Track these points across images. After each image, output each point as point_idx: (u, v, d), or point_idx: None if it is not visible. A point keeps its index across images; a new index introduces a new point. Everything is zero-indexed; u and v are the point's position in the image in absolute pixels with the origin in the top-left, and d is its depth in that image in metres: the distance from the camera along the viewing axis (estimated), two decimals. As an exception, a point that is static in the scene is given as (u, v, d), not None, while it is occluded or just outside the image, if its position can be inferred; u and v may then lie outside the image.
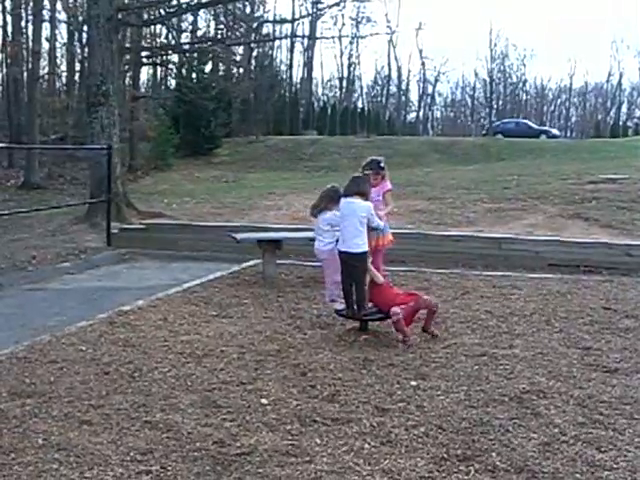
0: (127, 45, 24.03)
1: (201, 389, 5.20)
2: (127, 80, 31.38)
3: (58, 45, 38.69)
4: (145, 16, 20.49)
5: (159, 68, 37.59)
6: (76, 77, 39.24)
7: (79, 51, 37.14)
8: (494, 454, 4.11)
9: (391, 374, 5.60)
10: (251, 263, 10.74)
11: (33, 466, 3.94)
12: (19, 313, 8.58)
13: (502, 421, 4.60)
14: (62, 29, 38.99)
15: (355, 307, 6.94)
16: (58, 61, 39.69)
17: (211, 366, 5.76)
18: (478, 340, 6.63)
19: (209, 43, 22.92)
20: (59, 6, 33.97)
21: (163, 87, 43.24)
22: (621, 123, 71.98)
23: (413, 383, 5.36)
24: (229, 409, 4.78)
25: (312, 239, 10.59)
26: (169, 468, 3.90)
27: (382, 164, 8.31)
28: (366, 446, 4.20)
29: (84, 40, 32.92)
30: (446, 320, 7.36)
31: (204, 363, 5.85)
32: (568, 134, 74.31)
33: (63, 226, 15.51)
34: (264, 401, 4.92)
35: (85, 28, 28.20)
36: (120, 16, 16.98)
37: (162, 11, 19.06)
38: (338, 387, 5.24)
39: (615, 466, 4.00)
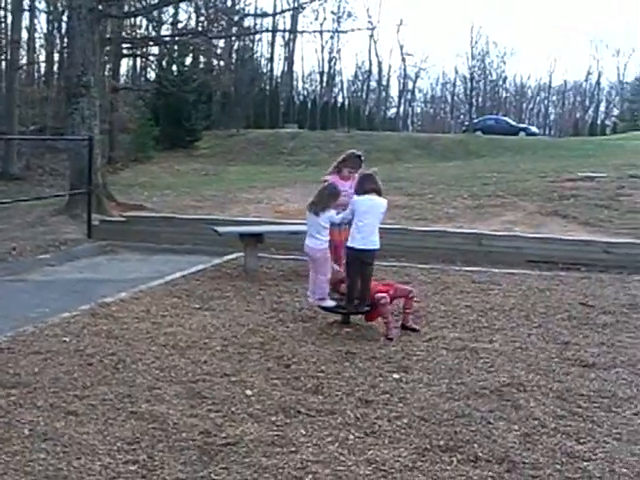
0: (108, 36, 23.83)
1: (185, 380, 5.24)
2: (107, 71, 31.20)
3: (37, 35, 38.43)
4: (126, 8, 20.39)
5: (139, 60, 37.47)
6: (55, 67, 38.93)
7: (58, 41, 36.88)
8: (476, 445, 4.19)
9: (374, 367, 5.67)
10: (232, 256, 10.76)
11: (20, 456, 3.96)
12: (0, 304, 8.55)
13: (483, 413, 4.69)
14: (41, 19, 38.69)
15: (357, 302, 6.99)
16: (37, 51, 39.39)
17: (195, 358, 5.80)
18: (458, 334, 6.72)
19: (191, 35, 22.81)
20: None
21: (143, 79, 43.07)
22: (599, 121, 72.69)
23: (395, 376, 5.44)
24: (214, 400, 4.82)
25: (294, 232, 10.66)
26: (156, 458, 3.94)
27: (362, 158, 8.38)
28: (350, 437, 4.27)
29: (63, 30, 32.72)
30: (427, 315, 7.45)
31: (188, 355, 5.88)
32: (547, 132, 74.86)
33: (43, 218, 15.41)
34: (248, 392, 4.98)
35: (65, 18, 28.03)
36: (101, 7, 16.90)
37: (144, 2, 18.96)
38: (322, 379, 5.30)
39: (593, 457, 4.10)
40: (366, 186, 7.06)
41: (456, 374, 5.51)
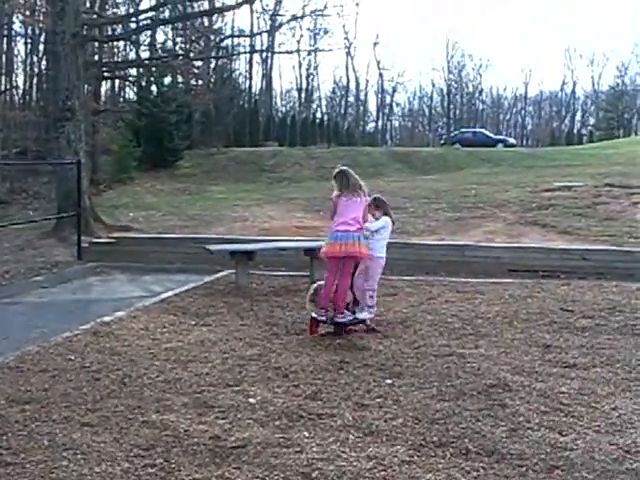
0: (93, 59, 24.12)
1: (191, 391, 5.53)
2: (87, 94, 31.33)
3: (15, 59, 38.49)
4: (109, 31, 20.71)
5: (117, 81, 37.67)
6: (34, 91, 39.04)
7: (36, 64, 37.04)
8: (467, 440, 4.52)
9: (367, 374, 5.98)
10: (223, 274, 11.06)
11: (44, 464, 4.23)
12: (-1, 326, 8.78)
13: (472, 412, 5.02)
14: (19, 42, 38.80)
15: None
16: (15, 75, 39.46)
17: (197, 371, 6.08)
18: (446, 341, 7.05)
19: (174, 57, 23.14)
20: (16, 18, 33.81)
21: (122, 99, 43.24)
22: (576, 131, 73.68)
23: (388, 381, 5.76)
24: (220, 408, 5.12)
25: (283, 249, 10.99)
26: (172, 461, 4.23)
27: None
28: (350, 437, 4.59)
29: (41, 53, 32.90)
30: (414, 324, 7.78)
31: (190, 368, 6.17)
32: (524, 142, 75.74)
33: (31, 241, 15.64)
34: (252, 400, 5.28)
35: (43, 40, 28.22)
36: (85, 32, 17.23)
37: (132, 25, 19.29)
38: (319, 386, 5.61)
39: (575, 447, 4.44)
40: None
41: (445, 378, 5.83)
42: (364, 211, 7.48)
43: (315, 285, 7.78)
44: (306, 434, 4.63)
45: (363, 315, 7.51)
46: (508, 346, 6.85)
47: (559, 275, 11.01)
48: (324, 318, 7.41)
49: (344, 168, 7.73)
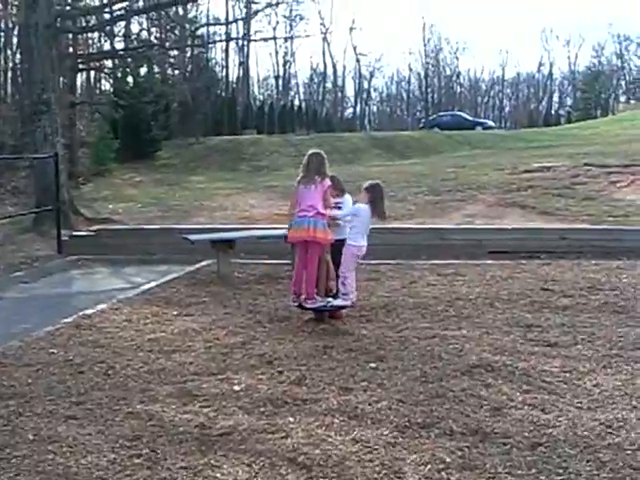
0: (68, 51, 23.88)
1: (175, 381, 5.52)
2: (62, 86, 31.03)
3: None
4: (83, 23, 20.52)
5: (93, 72, 37.39)
6: (8, 85, 38.60)
7: (10, 57, 36.61)
8: (451, 421, 4.56)
9: (351, 358, 6.01)
10: (204, 263, 11.03)
11: (29, 459, 4.21)
12: (-20, 322, 8.71)
13: (456, 393, 5.06)
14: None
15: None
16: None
17: (181, 360, 6.08)
18: (428, 324, 7.09)
19: (150, 47, 22.97)
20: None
21: (98, 91, 42.90)
22: (553, 112, 74.00)
23: (372, 365, 5.78)
24: (205, 397, 5.12)
25: (263, 237, 10.98)
26: (158, 451, 4.23)
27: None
28: (335, 421, 4.61)
29: (14, 47, 32.52)
30: (397, 308, 7.81)
31: (173, 358, 6.16)
32: (503, 124, 75.94)
33: (10, 236, 15.50)
34: (236, 388, 5.29)
35: (16, 33, 27.87)
36: (58, 24, 17.05)
37: (105, 16, 19.11)
38: (303, 372, 5.63)
39: (558, 424, 4.49)
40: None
41: (428, 360, 5.87)
42: (324, 196, 7.39)
43: None
44: (291, 419, 4.64)
45: (336, 302, 7.44)
46: (490, 327, 6.90)
47: (539, 255, 11.08)
48: (295, 303, 7.46)
49: (313, 152, 7.60)
